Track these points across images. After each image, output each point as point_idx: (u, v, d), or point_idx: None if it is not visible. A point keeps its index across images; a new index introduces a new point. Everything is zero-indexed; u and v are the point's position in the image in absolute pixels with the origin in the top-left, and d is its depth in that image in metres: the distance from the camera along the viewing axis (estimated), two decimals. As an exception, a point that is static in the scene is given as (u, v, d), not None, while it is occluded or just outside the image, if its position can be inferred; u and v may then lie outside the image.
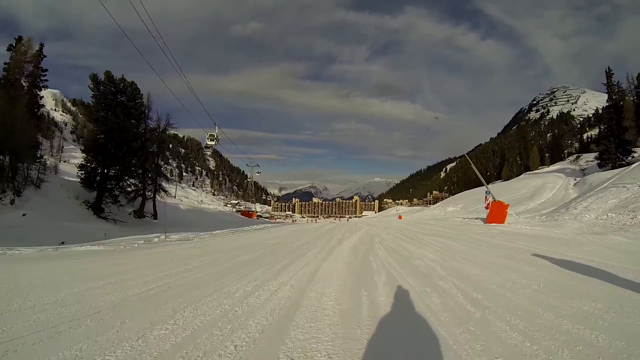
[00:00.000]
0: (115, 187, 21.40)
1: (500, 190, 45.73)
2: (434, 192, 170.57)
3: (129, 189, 22.85)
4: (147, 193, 24.46)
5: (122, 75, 22.50)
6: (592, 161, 44.46)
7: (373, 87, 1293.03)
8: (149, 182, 24.48)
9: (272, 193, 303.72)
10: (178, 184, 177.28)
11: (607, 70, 39.91)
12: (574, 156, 64.42)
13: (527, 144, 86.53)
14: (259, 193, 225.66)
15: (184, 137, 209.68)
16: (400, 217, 67.98)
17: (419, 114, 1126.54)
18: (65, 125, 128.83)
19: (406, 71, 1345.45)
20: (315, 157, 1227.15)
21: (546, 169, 61.98)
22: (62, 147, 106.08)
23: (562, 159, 72.74)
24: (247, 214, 51.45)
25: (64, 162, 62.05)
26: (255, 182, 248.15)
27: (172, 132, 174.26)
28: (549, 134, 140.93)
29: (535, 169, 69.58)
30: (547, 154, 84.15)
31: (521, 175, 63.84)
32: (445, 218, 29.00)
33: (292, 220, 77.21)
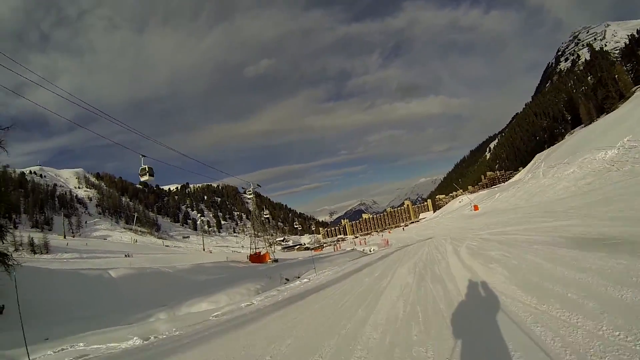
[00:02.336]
0: None
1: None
2: (488, 173, 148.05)
3: None
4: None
5: None
6: None
7: (395, 91, 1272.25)
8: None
9: (322, 220, 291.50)
10: (216, 233, 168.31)
11: None
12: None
13: (605, 68, 67.17)
14: (307, 223, 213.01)
15: (218, 185, 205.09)
16: (476, 208, 49.58)
17: (445, 104, 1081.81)
18: (90, 200, 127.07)
19: (422, 66, 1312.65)
20: (356, 175, 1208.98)
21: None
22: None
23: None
24: (258, 258, 36.32)
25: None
26: (301, 213, 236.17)
27: (205, 184, 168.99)
28: (589, 77, 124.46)
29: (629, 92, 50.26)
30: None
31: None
32: None
33: (336, 248, 60.91)
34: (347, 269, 15.03)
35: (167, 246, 78.53)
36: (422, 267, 9.34)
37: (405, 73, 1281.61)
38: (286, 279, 17.20)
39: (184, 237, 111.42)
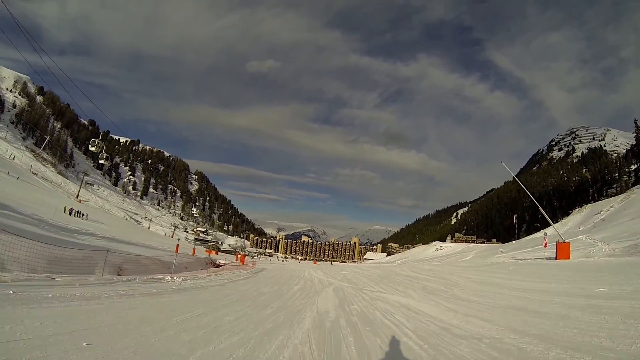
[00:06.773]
0: None
1: None
2: (457, 234, 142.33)
3: None
4: None
5: None
6: None
7: (381, 135, 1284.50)
8: None
9: (269, 233, 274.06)
10: (137, 197, 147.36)
11: None
12: None
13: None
14: (243, 227, 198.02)
15: (169, 156, 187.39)
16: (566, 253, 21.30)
17: (424, 163, 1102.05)
18: (14, 106, 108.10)
19: (414, 120, 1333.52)
20: (316, 201, 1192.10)
21: None
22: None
23: None
24: None
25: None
26: (241, 213, 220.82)
27: (156, 149, 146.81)
28: (584, 170, 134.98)
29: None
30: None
31: None
32: None
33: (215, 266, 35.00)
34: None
35: (35, 173, 63.66)
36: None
37: (397, 121, 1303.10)
38: None
39: (87, 183, 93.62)
